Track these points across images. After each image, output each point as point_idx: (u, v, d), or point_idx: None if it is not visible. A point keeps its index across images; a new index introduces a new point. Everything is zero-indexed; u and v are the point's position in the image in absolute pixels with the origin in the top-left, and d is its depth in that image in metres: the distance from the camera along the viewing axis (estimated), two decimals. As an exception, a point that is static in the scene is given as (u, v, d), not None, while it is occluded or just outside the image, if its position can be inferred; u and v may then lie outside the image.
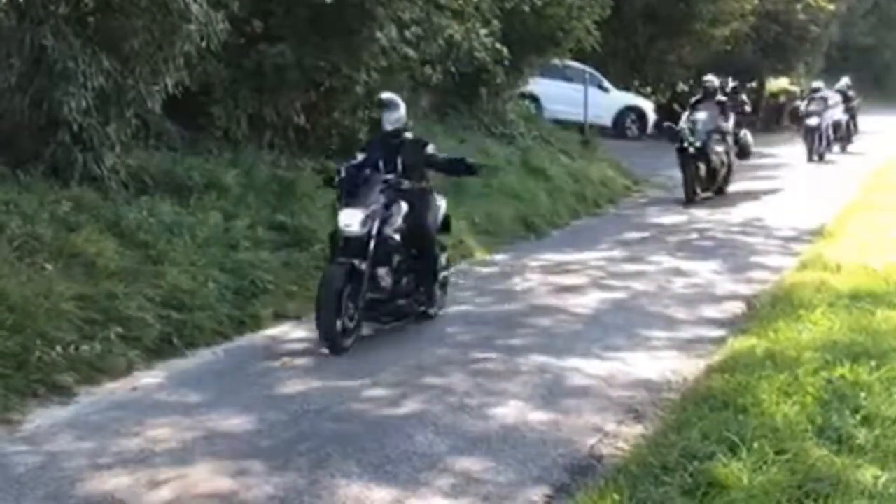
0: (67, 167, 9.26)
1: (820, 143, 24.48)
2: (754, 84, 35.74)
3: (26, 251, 7.91)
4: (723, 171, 17.89)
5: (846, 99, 27.43)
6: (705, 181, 17.45)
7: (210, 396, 6.79)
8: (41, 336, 6.95)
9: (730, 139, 18.28)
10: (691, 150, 16.91)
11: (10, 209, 8.33)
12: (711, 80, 18.75)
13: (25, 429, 6.11)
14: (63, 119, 8.95)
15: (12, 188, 8.71)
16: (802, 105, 25.92)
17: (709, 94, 18.36)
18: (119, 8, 9.37)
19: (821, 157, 24.26)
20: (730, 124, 18.34)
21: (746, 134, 19.94)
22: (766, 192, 18.65)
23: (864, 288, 8.97)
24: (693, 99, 18.93)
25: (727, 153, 18.02)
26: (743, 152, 19.57)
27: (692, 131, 17.04)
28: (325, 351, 7.80)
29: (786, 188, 19.31)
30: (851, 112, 28.01)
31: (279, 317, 8.92)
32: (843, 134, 26.78)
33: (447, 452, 5.83)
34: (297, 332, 8.58)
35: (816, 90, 26.42)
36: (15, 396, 6.40)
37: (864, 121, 30.93)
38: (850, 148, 27.00)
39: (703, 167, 17.20)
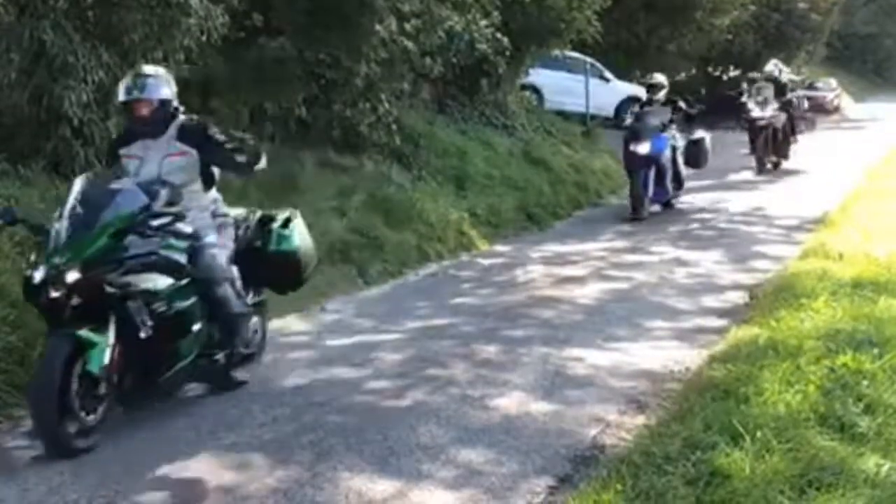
0: (68, 162, 9.24)
1: (769, 144, 19.87)
2: (755, 73, 35.74)
3: (27, 247, 7.89)
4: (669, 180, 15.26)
5: (779, 89, 20.65)
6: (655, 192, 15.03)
7: (210, 391, 6.78)
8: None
9: (680, 144, 15.76)
10: (639, 153, 14.76)
11: (10, 204, 8.31)
12: (660, 78, 16.57)
13: (28, 424, 6.10)
14: (63, 114, 8.93)
15: (13, 183, 8.70)
16: (750, 100, 20.30)
17: (657, 93, 16.17)
18: (118, 2, 9.34)
19: (776, 166, 20.08)
20: (675, 132, 15.75)
21: (703, 140, 16.60)
22: (765, 182, 18.64)
23: (867, 276, 8.95)
24: (643, 100, 16.61)
25: (674, 160, 15.44)
26: (696, 159, 16.45)
27: (637, 134, 14.90)
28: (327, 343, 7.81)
29: (789, 177, 19.29)
30: (788, 109, 20.55)
31: (280, 310, 8.89)
32: (781, 143, 20.31)
33: (450, 444, 5.82)
34: (298, 325, 8.59)
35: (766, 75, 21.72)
36: (17, 392, 6.39)
37: (864, 108, 30.87)
38: (786, 164, 20.44)
39: (651, 175, 14.86)
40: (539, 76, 21.81)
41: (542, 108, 21.78)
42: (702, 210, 15.53)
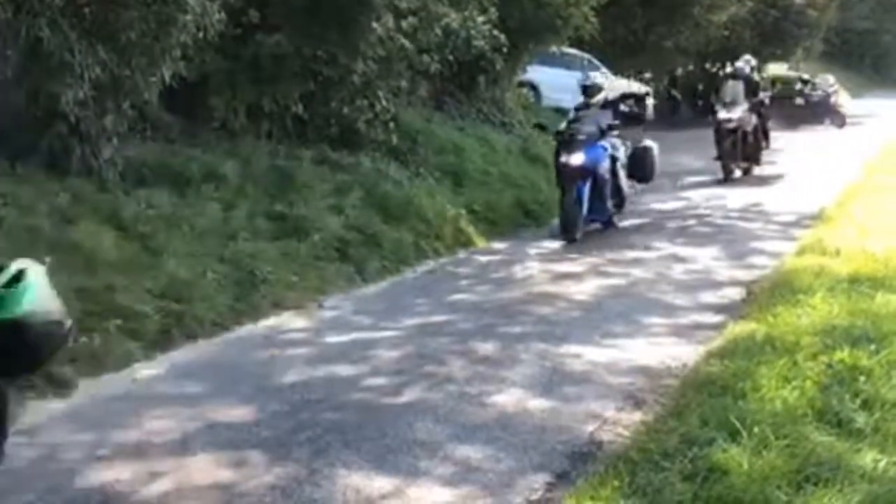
0: (65, 159, 9.25)
1: (738, 148, 18.28)
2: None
3: (24, 244, 7.90)
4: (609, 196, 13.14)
5: (750, 88, 18.93)
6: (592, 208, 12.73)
7: (209, 387, 6.79)
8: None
9: (621, 153, 13.66)
10: (572, 164, 12.57)
11: (7, 202, 8.33)
12: (594, 79, 14.97)
13: (24, 421, 6.09)
14: (60, 111, 8.94)
15: (10, 181, 8.71)
16: (717, 100, 19.19)
17: (595, 95, 14.08)
18: (115, -1, 9.36)
19: (746, 172, 18.66)
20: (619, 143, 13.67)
21: (650, 149, 14.32)
22: (765, 178, 18.64)
23: (864, 272, 8.96)
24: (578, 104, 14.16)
25: (614, 173, 13.31)
26: (642, 171, 14.27)
27: (570, 143, 12.70)
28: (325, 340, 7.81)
29: (788, 173, 19.30)
30: (759, 109, 19.13)
31: (278, 307, 8.92)
32: (751, 147, 18.73)
33: (447, 441, 5.82)
34: (296, 322, 8.58)
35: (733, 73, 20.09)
36: (13, 389, 6.39)
37: (862, 104, 30.91)
38: (758, 171, 19.04)
39: (586, 190, 12.61)
40: (536, 73, 21.81)
41: (539, 104, 21.78)
42: (698, 206, 15.52)
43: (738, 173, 18.37)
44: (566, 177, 12.61)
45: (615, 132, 13.45)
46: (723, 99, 18.57)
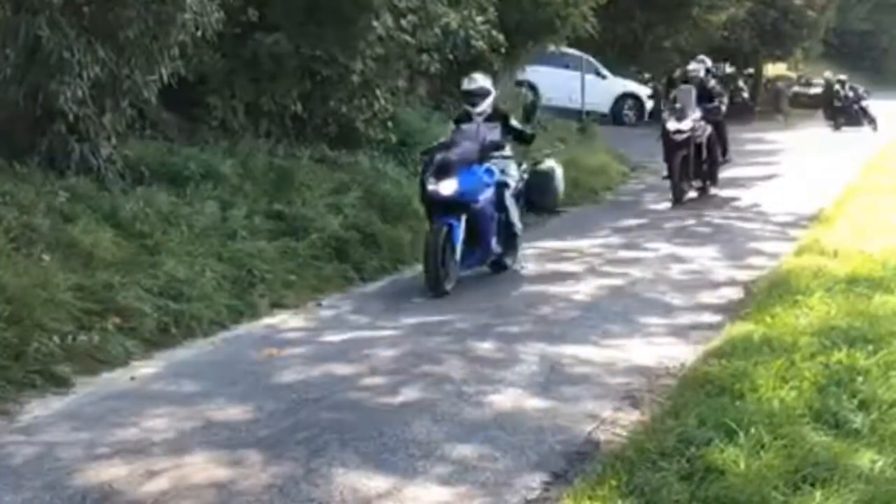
0: (63, 158, 9.26)
1: (689, 165, 15.51)
2: (751, 70, 35.82)
3: (23, 242, 7.91)
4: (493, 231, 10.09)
5: (705, 94, 16.03)
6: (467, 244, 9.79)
7: (207, 386, 6.78)
8: (38, 327, 6.95)
9: (512, 179, 10.54)
10: (441, 195, 9.66)
11: (6, 200, 8.33)
12: (477, 80, 10.85)
13: (23, 419, 6.11)
14: (59, 110, 8.94)
15: (8, 179, 8.71)
16: (665, 109, 16.70)
17: (480, 103, 10.62)
18: (114, -2, 9.37)
19: (702, 192, 16.21)
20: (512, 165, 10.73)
21: (551, 172, 11.09)
22: (761, 179, 18.64)
23: (862, 273, 8.97)
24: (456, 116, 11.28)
25: (493, 202, 10.06)
26: (539, 200, 11.12)
27: (441, 167, 9.72)
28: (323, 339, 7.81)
29: (783, 174, 19.31)
30: (714, 117, 16.15)
31: (277, 306, 8.93)
32: (706, 163, 16.06)
33: (444, 440, 5.82)
34: (294, 322, 8.59)
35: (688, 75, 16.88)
36: (12, 387, 6.40)
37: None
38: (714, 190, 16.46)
39: (460, 225, 9.64)
40: (535, 73, 21.82)
41: (538, 104, 21.76)
42: (697, 207, 15.54)
43: (692, 193, 15.93)
44: (434, 211, 9.85)
45: (507, 149, 10.56)
46: (671, 106, 15.95)
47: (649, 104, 26.71)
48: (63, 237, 8.23)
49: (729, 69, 34.16)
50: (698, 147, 15.57)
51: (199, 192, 10.17)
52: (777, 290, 8.77)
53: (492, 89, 10.80)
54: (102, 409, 6.30)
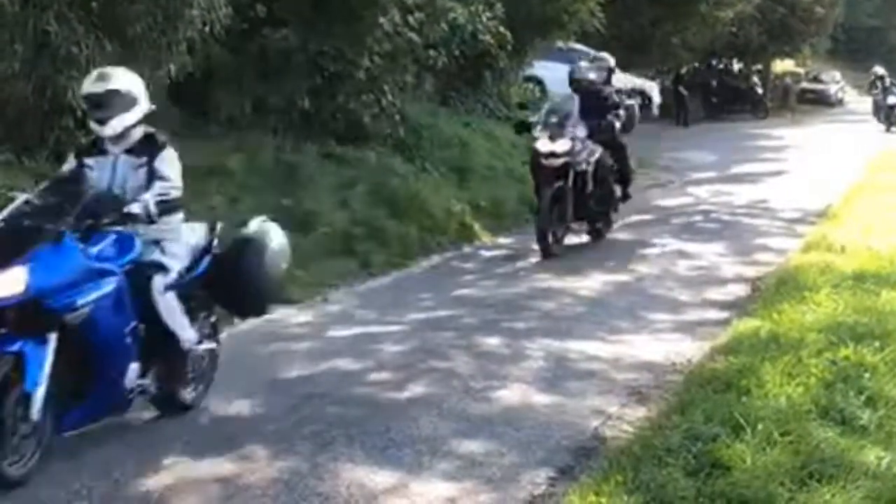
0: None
1: (566, 202, 11.12)
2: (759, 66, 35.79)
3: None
4: None
5: (597, 103, 11.78)
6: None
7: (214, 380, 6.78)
8: None
9: (176, 255, 5.95)
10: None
11: (14, 195, 8.32)
12: (111, 77, 5.54)
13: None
14: (67, 104, 8.96)
15: (17, 173, 8.72)
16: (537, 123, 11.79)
17: (103, 120, 5.66)
18: (122, -7, 9.38)
19: (595, 237, 12.05)
20: None
21: (264, 239, 6.38)
22: (769, 175, 18.62)
23: (869, 269, 8.96)
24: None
25: (116, 306, 5.44)
26: (237, 292, 6.29)
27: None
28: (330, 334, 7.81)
29: (791, 170, 19.28)
30: (607, 137, 11.74)
31: (283, 301, 8.92)
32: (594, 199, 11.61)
33: (451, 435, 5.83)
34: (300, 316, 8.59)
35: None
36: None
37: (868, 102, 30.79)
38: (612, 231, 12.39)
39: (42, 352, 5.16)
40: (543, 69, 21.80)
41: (545, 100, 21.77)
42: (703, 202, 15.52)
43: (574, 239, 11.77)
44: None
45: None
46: (544, 120, 11.61)
47: (657, 100, 26.69)
48: (71, 232, 8.23)
49: (737, 65, 34.19)
50: (581, 178, 11.35)
51: (207, 187, 10.17)
52: (784, 286, 8.77)
53: (140, 96, 5.86)
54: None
